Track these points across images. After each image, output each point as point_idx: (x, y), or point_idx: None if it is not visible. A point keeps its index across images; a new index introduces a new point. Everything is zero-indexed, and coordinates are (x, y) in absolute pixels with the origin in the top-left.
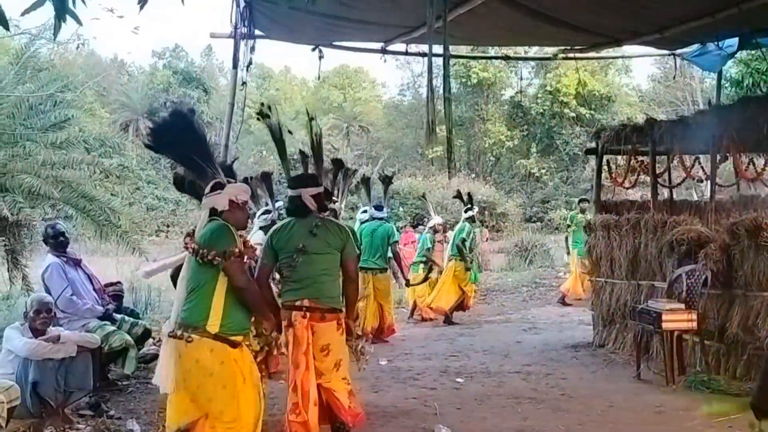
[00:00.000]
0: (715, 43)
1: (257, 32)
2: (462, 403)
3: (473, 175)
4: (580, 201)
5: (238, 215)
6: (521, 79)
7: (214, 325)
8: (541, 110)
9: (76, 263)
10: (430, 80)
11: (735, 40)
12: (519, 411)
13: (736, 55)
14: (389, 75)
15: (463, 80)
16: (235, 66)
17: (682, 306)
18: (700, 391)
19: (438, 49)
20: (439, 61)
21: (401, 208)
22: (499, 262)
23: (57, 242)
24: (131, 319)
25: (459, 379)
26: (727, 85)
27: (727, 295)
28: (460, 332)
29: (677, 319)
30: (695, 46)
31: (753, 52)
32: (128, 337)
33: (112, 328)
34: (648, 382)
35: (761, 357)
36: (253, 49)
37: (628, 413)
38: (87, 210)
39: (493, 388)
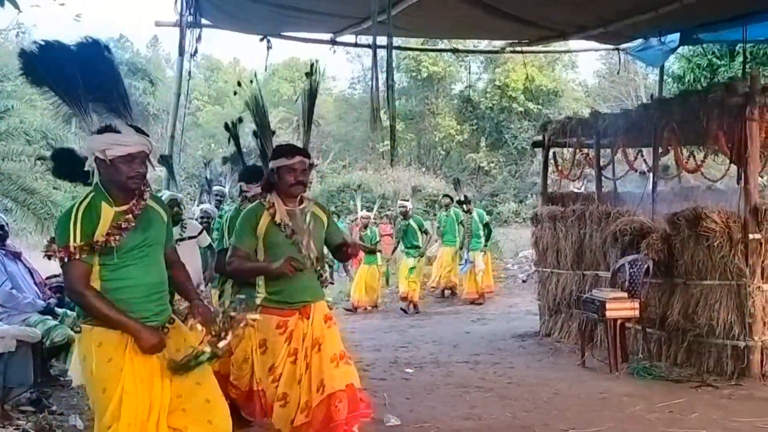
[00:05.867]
0: (658, 38)
1: (204, 21)
2: (411, 393)
3: (423, 169)
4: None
5: None
6: (470, 73)
7: None
8: (490, 105)
9: (16, 256)
10: (374, 69)
11: (677, 36)
12: (467, 399)
13: (678, 51)
14: (339, 68)
15: (414, 74)
16: (181, 54)
17: (625, 295)
18: (643, 377)
19: (384, 39)
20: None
21: (351, 202)
22: None
23: None
24: (74, 314)
25: (408, 370)
26: (669, 80)
27: (668, 284)
28: (410, 324)
29: (620, 307)
30: (639, 41)
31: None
32: (71, 332)
33: (54, 322)
34: (592, 369)
35: (701, 344)
36: (199, 38)
37: (572, 400)
38: (27, 203)
39: (441, 378)
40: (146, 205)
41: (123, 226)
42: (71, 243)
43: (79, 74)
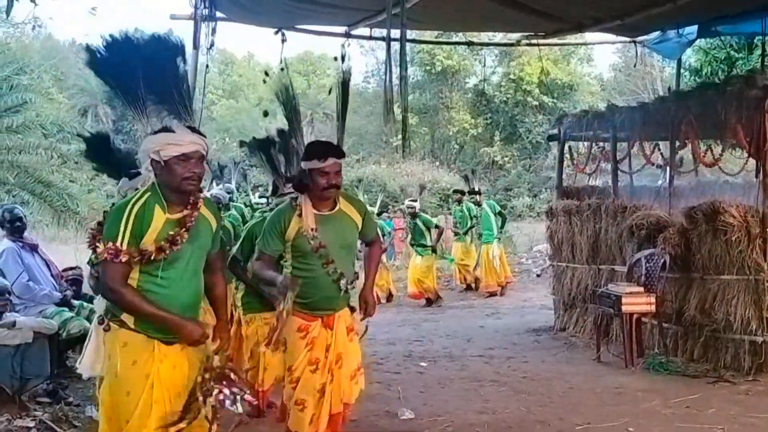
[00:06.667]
0: (676, 30)
1: (218, 14)
2: (425, 387)
3: (437, 163)
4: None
5: None
6: (485, 67)
7: None
8: (505, 98)
9: (33, 248)
10: (388, 62)
11: (695, 28)
12: (481, 394)
13: (695, 44)
14: (354, 62)
15: (428, 68)
16: (195, 47)
17: (641, 289)
18: (659, 372)
19: (398, 32)
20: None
21: (365, 196)
22: None
23: (13, 227)
24: (90, 305)
25: (422, 364)
26: (686, 73)
27: (684, 279)
28: (424, 318)
29: (636, 302)
30: (656, 34)
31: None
32: (87, 324)
33: (71, 314)
34: (608, 364)
35: (718, 339)
36: (214, 31)
37: (588, 395)
38: (44, 196)
39: (455, 372)
40: (198, 214)
41: (177, 239)
42: (118, 244)
43: (141, 74)
